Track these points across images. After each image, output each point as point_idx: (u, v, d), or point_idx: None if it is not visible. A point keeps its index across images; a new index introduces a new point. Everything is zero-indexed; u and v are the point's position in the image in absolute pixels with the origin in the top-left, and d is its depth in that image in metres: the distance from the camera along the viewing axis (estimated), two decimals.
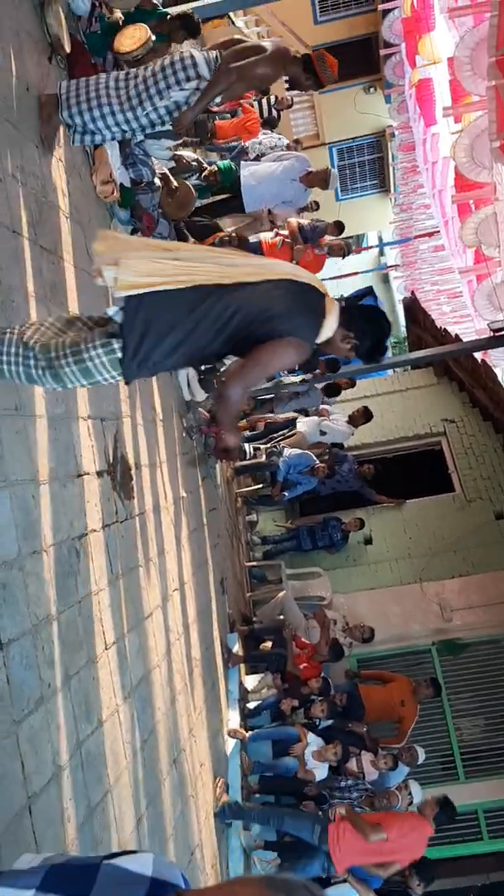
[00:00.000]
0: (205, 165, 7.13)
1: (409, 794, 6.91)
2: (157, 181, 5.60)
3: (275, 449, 9.14)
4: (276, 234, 7.59)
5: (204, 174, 7.04)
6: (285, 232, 7.64)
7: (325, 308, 2.78)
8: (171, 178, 5.92)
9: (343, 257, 8.37)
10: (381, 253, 21.30)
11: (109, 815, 3.74)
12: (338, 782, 6.95)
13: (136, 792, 4.22)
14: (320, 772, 6.83)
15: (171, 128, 4.24)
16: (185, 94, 4.17)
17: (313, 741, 6.98)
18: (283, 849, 6.77)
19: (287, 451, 9.09)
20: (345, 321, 2.82)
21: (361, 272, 16.28)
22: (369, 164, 17.96)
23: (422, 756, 7.40)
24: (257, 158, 7.60)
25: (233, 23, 12.09)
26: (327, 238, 8.00)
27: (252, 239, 7.61)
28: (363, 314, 2.93)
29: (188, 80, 4.13)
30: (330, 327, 2.79)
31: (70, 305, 4.08)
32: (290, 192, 7.08)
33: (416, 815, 6.36)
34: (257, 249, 7.52)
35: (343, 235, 8.52)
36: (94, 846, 3.48)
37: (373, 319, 2.95)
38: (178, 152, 6.47)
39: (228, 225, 8.22)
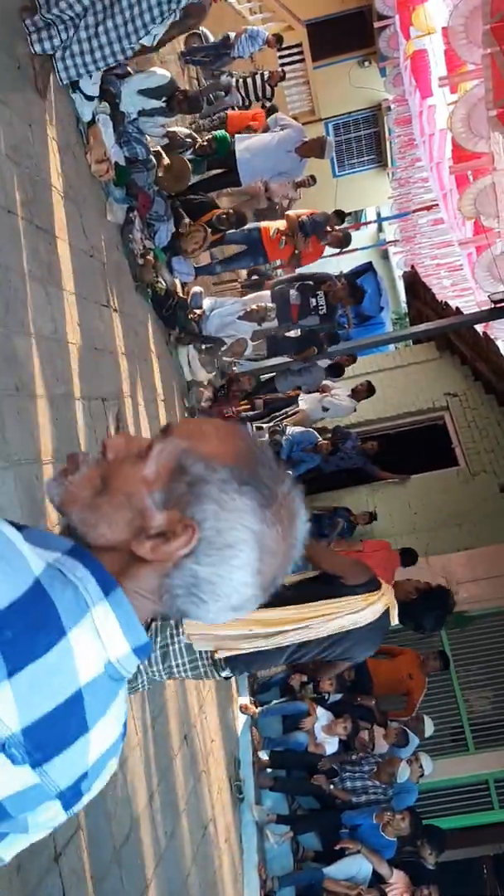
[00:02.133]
0: (199, 140, 7.08)
1: (420, 766, 6.98)
2: (152, 158, 5.56)
3: (277, 428, 9.13)
4: (277, 232, 7.52)
5: (198, 144, 6.97)
6: (284, 227, 7.56)
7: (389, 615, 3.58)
8: (164, 154, 5.88)
9: (344, 247, 8.31)
10: (380, 228, 21.16)
11: (120, 792, 3.78)
12: (349, 756, 7.01)
13: (147, 768, 4.26)
14: (331, 746, 6.88)
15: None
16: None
17: (323, 715, 7.03)
18: (295, 821, 6.85)
19: (290, 430, 9.07)
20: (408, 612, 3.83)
21: (360, 248, 16.17)
22: (366, 138, 17.81)
23: (430, 727, 7.45)
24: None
25: None
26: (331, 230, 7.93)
27: (251, 225, 7.55)
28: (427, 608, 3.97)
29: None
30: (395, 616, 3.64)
31: (66, 286, 4.06)
32: (286, 164, 7.02)
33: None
34: (258, 239, 7.45)
35: (343, 222, 8.44)
36: (107, 821, 3.52)
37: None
38: (171, 129, 6.42)
39: (226, 202, 8.17)
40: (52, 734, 0.88)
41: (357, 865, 6.25)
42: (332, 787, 6.69)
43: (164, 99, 5.40)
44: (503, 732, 8.77)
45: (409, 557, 7.80)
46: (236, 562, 0.96)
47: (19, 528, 0.95)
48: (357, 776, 6.80)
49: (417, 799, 7.22)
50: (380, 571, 6.36)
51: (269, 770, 6.89)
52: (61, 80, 4.32)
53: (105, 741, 0.96)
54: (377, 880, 6.21)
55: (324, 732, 6.93)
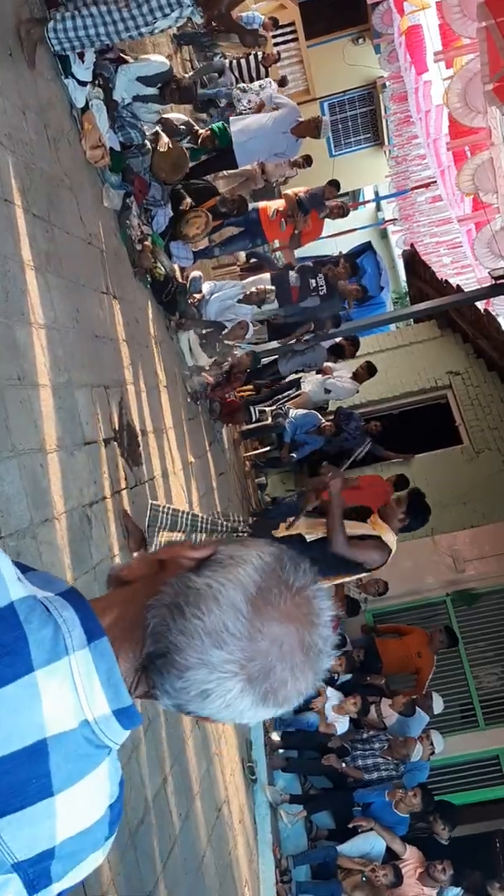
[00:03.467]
0: (196, 128, 7.03)
1: (432, 743, 7.02)
2: (147, 144, 5.52)
3: (280, 410, 9.13)
4: (276, 213, 7.48)
5: (200, 139, 6.94)
6: (283, 207, 7.52)
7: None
8: (163, 135, 5.83)
9: (343, 217, 8.29)
10: (379, 207, 21.02)
11: (134, 776, 3.81)
12: (359, 734, 7.05)
13: (160, 752, 4.30)
14: (341, 725, 6.92)
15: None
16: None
17: (333, 695, 7.07)
18: (308, 801, 6.90)
19: (293, 412, 9.08)
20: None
21: (359, 228, 16.08)
22: (361, 117, 17.66)
23: (440, 704, 7.49)
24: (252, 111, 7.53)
25: None
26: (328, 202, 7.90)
27: (251, 206, 7.51)
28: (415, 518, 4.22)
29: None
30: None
31: (65, 274, 4.05)
32: (281, 144, 6.99)
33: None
34: (256, 220, 7.41)
35: (339, 193, 8.40)
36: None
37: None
38: (166, 115, 6.38)
39: (222, 185, 8.13)
40: (4, 784, 0.79)
41: (370, 842, 6.31)
42: (343, 765, 6.74)
43: (158, 86, 5.37)
44: None
45: (402, 484, 8.09)
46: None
47: (24, 569, 0.90)
48: (368, 753, 6.85)
49: (429, 775, 7.28)
50: (378, 503, 7.55)
51: (280, 751, 6.95)
52: (53, 48, 4.33)
53: (80, 819, 0.85)
54: (391, 857, 6.27)
55: (334, 712, 6.97)
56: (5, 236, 3.39)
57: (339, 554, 3.86)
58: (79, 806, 0.84)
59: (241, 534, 4.75)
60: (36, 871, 0.82)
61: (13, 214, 3.53)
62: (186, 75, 6.05)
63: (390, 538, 4.09)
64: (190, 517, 4.86)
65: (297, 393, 9.55)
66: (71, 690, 0.82)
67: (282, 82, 9.13)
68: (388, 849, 6.30)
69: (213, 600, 0.87)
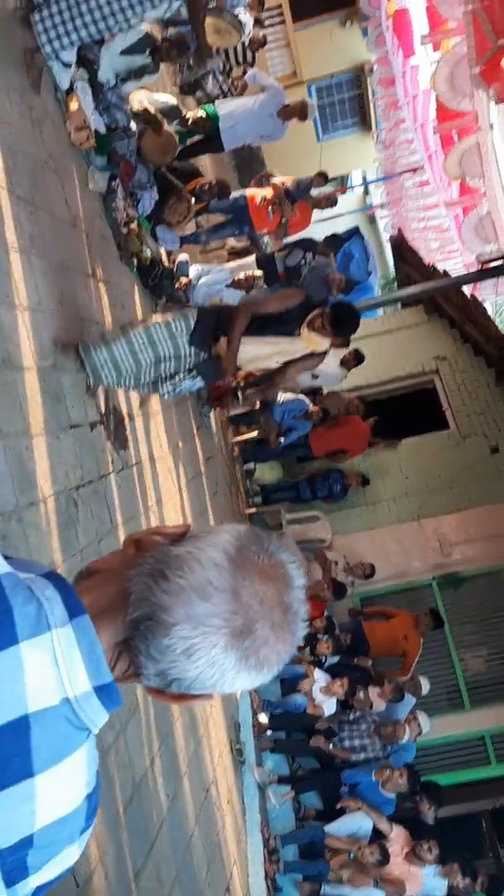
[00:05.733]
0: (182, 111, 6.98)
1: (418, 724, 7.08)
2: (132, 126, 5.49)
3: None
4: (264, 201, 7.44)
5: (190, 121, 6.89)
6: (271, 196, 7.47)
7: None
8: (152, 111, 5.78)
9: (332, 207, 8.28)
10: (366, 192, 21.01)
11: (122, 757, 3.84)
12: (346, 716, 7.11)
13: (148, 733, 4.33)
14: (329, 706, 6.98)
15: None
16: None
17: (320, 677, 7.12)
18: (296, 781, 6.96)
19: (281, 397, 9.08)
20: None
21: (347, 213, 16.07)
22: (349, 101, 17.60)
23: (426, 686, 7.55)
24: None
25: None
26: (315, 191, 7.88)
27: (236, 193, 7.47)
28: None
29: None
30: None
31: (49, 256, 4.04)
32: (268, 127, 6.97)
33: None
34: (244, 207, 7.38)
35: (327, 182, 8.38)
36: (109, 785, 3.58)
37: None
38: (153, 96, 6.34)
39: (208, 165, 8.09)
40: None
41: (357, 822, 6.37)
42: (331, 746, 6.80)
43: (148, 53, 5.31)
44: (498, 690, 8.93)
45: (378, 425, 9.36)
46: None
47: (5, 557, 0.91)
48: (355, 735, 6.91)
49: (416, 756, 7.35)
50: (354, 440, 9.01)
51: (268, 732, 6.99)
52: (46, 54, 4.32)
53: (59, 805, 0.84)
54: (377, 836, 6.33)
55: (322, 694, 7.02)
56: None
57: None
58: (58, 790, 0.83)
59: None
60: (14, 861, 0.81)
61: None
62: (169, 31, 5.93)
63: (321, 346, 4.54)
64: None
65: None
66: (52, 666, 0.83)
67: (263, 42, 9.02)
68: (375, 828, 6.37)
69: (195, 561, 0.89)
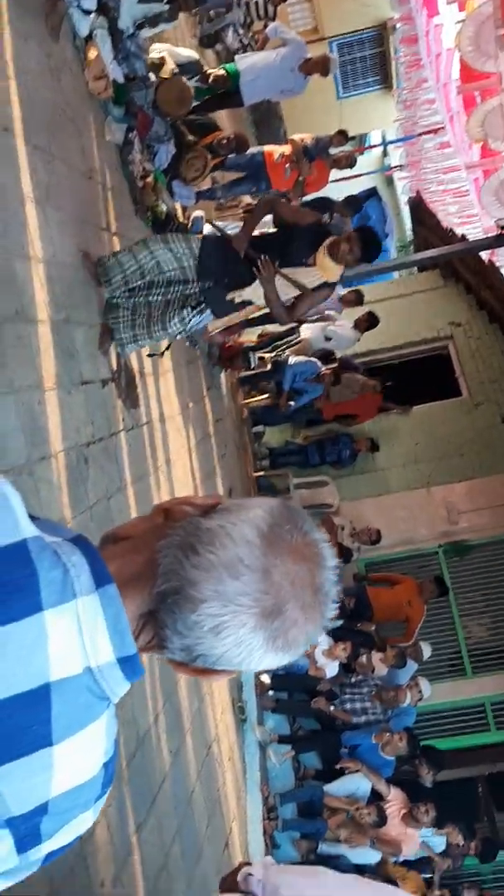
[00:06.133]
0: (204, 67, 6.81)
1: (419, 690, 7.14)
2: (151, 76, 5.36)
3: (279, 357, 9.05)
4: (282, 157, 7.28)
5: (211, 78, 6.74)
6: (289, 153, 7.32)
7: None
8: (169, 60, 5.66)
9: (350, 168, 8.13)
10: (385, 153, 20.65)
11: (126, 712, 3.87)
12: (348, 678, 7.16)
13: (152, 690, 4.36)
14: (331, 669, 7.02)
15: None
16: None
17: (323, 640, 7.15)
18: (296, 741, 7.03)
19: (292, 359, 8.99)
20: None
21: (364, 174, 15.78)
22: (370, 59, 17.20)
23: (428, 652, 7.60)
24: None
25: None
26: (334, 150, 7.73)
27: (254, 149, 7.32)
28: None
29: None
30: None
31: (65, 208, 3.97)
32: (289, 82, 6.81)
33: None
34: (261, 163, 7.23)
35: (347, 141, 8.22)
36: None
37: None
38: (175, 49, 6.19)
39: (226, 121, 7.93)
40: (4, 729, 0.77)
41: (356, 783, 6.45)
42: (332, 708, 6.86)
43: (166, 1, 5.17)
44: (500, 657, 8.98)
45: (389, 390, 9.48)
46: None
47: (32, 518, 0.88)
48: (357, 698, 6.97)
49: (416, 720, 7.41)
50: (365, 405, 9.11)
51: (271, 692, 7.05)
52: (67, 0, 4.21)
53: (76, 773, 0.84)
54: (375, 797, 6.41)
55: (324, 657, 7.06)
56: (5, 167, 3.31)
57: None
58: (76, 759, 0.83)
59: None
60: (27, 828, 0.80)
61: (12, 144, 3.44)
62: None
63: (334, 275, 4.46)
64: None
65: (297, 339, 9.44)
66: (77, 634, 0.81)
67: None
68: (374, 790, 6.45)
69: (226, 537, 0.86)
